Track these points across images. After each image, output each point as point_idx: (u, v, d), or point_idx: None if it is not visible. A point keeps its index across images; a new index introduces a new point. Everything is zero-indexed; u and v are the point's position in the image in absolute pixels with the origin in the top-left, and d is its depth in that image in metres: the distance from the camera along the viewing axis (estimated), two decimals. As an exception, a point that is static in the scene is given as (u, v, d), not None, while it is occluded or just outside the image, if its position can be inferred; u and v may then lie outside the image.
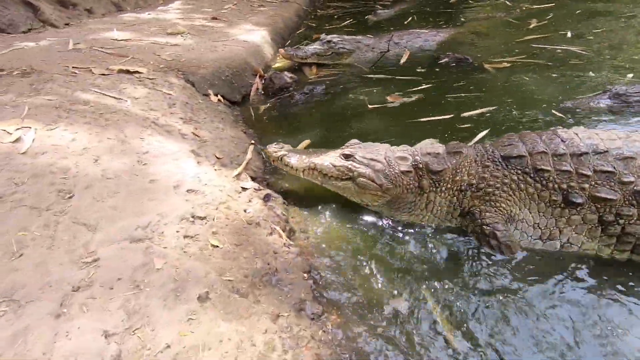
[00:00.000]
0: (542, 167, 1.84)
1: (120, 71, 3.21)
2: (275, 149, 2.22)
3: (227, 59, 4.05)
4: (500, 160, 1.94)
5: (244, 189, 2.09)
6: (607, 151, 1.82)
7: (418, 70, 4.14)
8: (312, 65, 4.70)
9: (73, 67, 3.14)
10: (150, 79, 3.22)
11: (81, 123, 2.11)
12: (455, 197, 1.98)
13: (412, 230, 2.05)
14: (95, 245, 1.29)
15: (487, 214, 1.89)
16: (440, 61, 4.24)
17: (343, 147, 2.16)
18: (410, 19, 6.36)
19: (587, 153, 1.82)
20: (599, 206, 1.78)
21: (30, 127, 1.92)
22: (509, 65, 4.04)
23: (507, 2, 6.68)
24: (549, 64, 3.93)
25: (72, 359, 0.93)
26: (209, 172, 2.07)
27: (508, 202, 1.89)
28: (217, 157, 2.34)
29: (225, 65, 3.93)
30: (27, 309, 1.02)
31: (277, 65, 4.96)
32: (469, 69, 4.06)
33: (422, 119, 3.09)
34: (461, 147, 2.04)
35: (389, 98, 3.55)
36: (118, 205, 1.50)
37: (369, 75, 4.21)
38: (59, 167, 1.63)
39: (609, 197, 1.74)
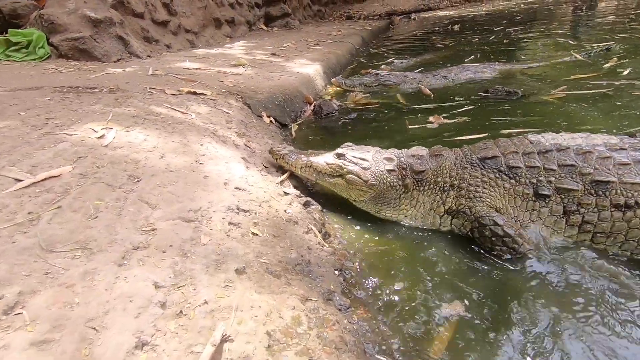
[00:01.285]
0: (514, 164, 2.02)
1: (189, 92, 3.64)
2: (278, 149, 2.51)
3: (281, 87, 4.41)
4: (477, 161, 2.11)
5: (286, 193, 2.24)
6: (568, 148, 1.98)
7: (461, 99, 4.18)
8: (358, 95, 4.93)
9: (150, 87, 3.62)
10: (213, 99, 3.61)
11: (153, 129, 2.43)
12: (438, 196, 2.14)
13: (441, 243, 2.05)
14: (153, 219, 1.47)
15: (478, 207, 2.02)
16: (487, 93, 4.25)
17: (337, 148, 2.37)
18: (472, 56, 6.41)
19: (551, 150, 2.00)
20: (563, 197, 1.94)
21: (112, 128, 2.25)
22: (563, 95, 3.95)
23: (570, 42, 6.58)
24: (609, 92, 3.78)
25: (127, 297, 1.07)
26: (255, 176, 2.26)
27: (491, 197, 2.04)
28: (264, 166, 2.53)
29: (280, 92, 4.27)
30: (97, 256, 1.20)
31: (327, 94, 5.27)
32: (519, 101, 4.02)
33: (459, 138, 3.10)
34: (442, 151, 2.24)
35: (430, 119, 3.63)
36: (176, 191, 1.70)
37: (414, 106, 4.32)
38: (132, 159, 1.90)
39: (572, 187, 1.91)
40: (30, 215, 1.32)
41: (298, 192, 2.32)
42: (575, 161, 1.93)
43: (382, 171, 2.20)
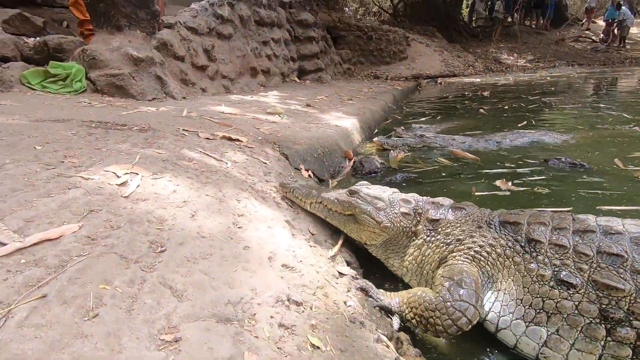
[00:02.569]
0: (535, 237, 1.61)
1: (223, 137, 3.33)
2: (289, 182, 2.34)
3: (319, 139, 4.09)
4: (496, 224, 1.76)
5: (341, 274, 1.75)
6: (621, 233, 1.49)
7: (526, 168, 3.75)
8: (399, 154, 4.57)
9: (183, 129, 3.33)
10: (249, 147, 3.28)
11: (184, 177, 2.05)
12: (438, 249, 1.82)
13: None
14: (178, 317, 1.00)
15: (465, 265, 1.67)
16: (550, 163, 3.83)
17: (352, 186, 2.12)
18: (525, 122, 6.13)
19: (593, 231, 1.53)
20: (600, 294, 1.42)
21: (137, 174, 1.87)
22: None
23: (626, 115, 6.26)
24: None
25: None
26: (303, 247, 1.79)
27: (491, 264, 1.67)
28: (311, 233, 2.08)
29: (318, 144, 3.95)
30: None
31: (365, 150, 4.94)
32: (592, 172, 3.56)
33: (540, 209, 2.62)
34: (467, 206, 1.94)
35: (497, 183, 3.19)
36: (210, 270, 1.25)
37: (465, 171, 3.90)
38: (156, 217, 1.48)
39: (614, 284, 1.39)
40: (-3, 309, 0.87)
41: (354, 272, 1.83)
42: (627, 252, 1.44)
43: (396, 213, 1.94)
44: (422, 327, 1.59)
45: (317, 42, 10.26)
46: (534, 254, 1.59)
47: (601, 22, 26.95)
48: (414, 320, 1.61)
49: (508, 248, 1.66)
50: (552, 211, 1.81)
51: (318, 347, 1.13)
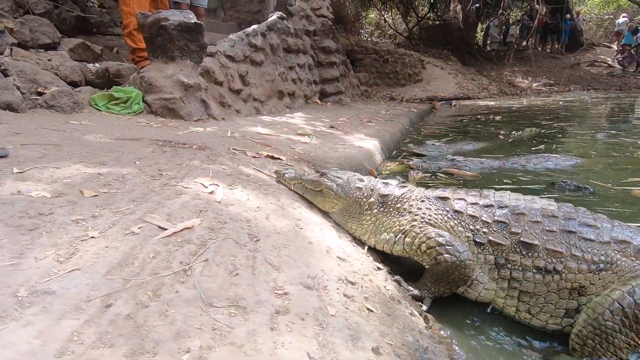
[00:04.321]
0: (457, 209, 2.23)
1: (267, 156, 3.87)
2: (282, 169, 3.01)
3: (347, 158, 4.61)
4: (433, 199, 2.34)
5: (378, 268, 2.21)
6: (507, 206, 2.13)
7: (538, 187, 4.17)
8: (418, 174, 5.03)
9: (233, 148, 3.89)
10: (289, 165, 3.80)
11: (250, 188, 2.56)
12: (395, 218, 2.35)
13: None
14: (281, 282, 1.49)
15: (430, 228, 2.22)
16: (557, 186, 4.23)
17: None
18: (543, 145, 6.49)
19: (492, 205, 2.16)
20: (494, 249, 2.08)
21: (218, 185, 2.39)
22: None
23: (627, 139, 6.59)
24: None
25: (291, 367, 1.05)
26: (348, 246, 2.27)
27: (442, 225, 2.20)
28: (349, 233, 2.56)
29: (346, 164, 4.45)
30: (250, 317, 1.20)
31: (385, 169, 5.42)
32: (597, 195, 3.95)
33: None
34: (408, 184, 2.56)
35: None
36: (291, 255, 1.73)
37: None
38: (244, 217, 1.98)
39: (500, 242, 2.05)
40: (182, 266, 1.38)
41: (388, 268, 2.29)
42: (508, 220, 2.07)
43: (351, 187, 2.53)
44: (448, 288, 2.12)
45: (337, 66, 10.94)
46: (458, 220, 2.19)
47: (615, 47, 27.25)
48: (441, 289, 2.13)
49: (444, 216, 2.23)
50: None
51: (371, 310, 1.60)
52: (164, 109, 5.04)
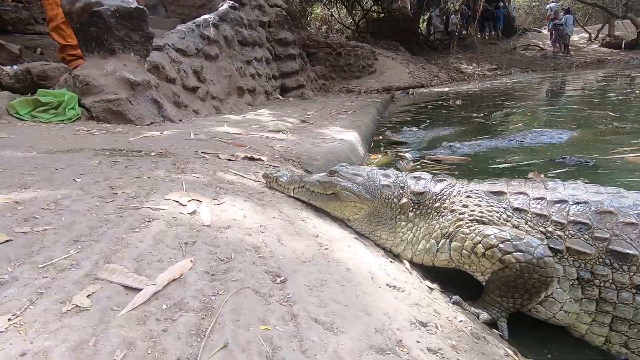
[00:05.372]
0: (518, 206, 1.72)
1: (245, 158, 3.22)
2: (272, 172, 2.36)
3: (333, 154, 4.06)
4: (482, 193, 1.83)
5: (430, 288, 1.69)
6: (586, 202, 1.62)
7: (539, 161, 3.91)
8: (408, 164, 4.62)
9: (202, 152, 3.19)
10: (273, 166, 3.18)
11: (241, 201, 1.94)
12: (435, 221, 1.87)
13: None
14: (345, 352, 0.91)
15: (481, 226, 1.71)
16: (556, 161, 4.01)
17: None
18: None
19: (565, 201, 1.66)
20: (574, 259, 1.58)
21: (200, 201, 1.74)
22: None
23: (611, 114, 6.69)
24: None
25: None
26: (385, 262, 1.73)
27: (499, 224, 1.71)
28: (376, 244, 2.02)
29: (334, 159, 3.91)
30: None
31: (370, 161, 4.95)
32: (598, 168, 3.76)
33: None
34: (447, 177, 2.03)
35: (530, 175, 3.40)
36: (336, 297, 1.16)
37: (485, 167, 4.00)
38: (250, 244, 1.37)
39: (584, 250, 1.54)
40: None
41: (437, 285, 1.79)
42: (590, 220, 1.57)
43: (376, 186, 1.99)
44: (526, 298, 1.60)
45: (296, 59, 10.34)
46: (524, 220, 1.68)
47: (545, 32, 29.27)
48: (517, 301, 1.62)
49: (502, 213, 1.73)
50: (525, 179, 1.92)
51: (472, 367, 1.07)
52: (108, 113, 4.17)
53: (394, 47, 23.47)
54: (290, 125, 5.75)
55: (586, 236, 1.55)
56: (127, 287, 0.93)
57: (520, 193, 1.74)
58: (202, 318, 0.88)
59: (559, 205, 1.64)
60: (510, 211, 1.70)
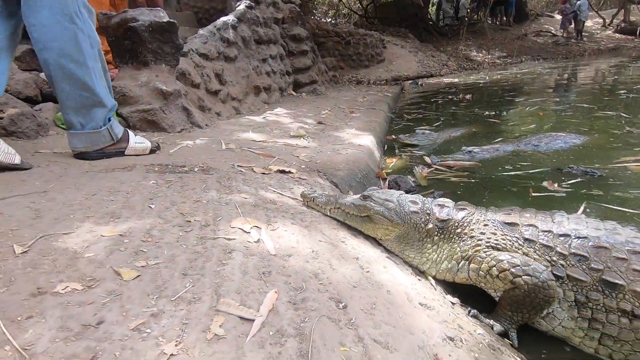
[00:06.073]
0: (528, 237, 2.05)
1: (278, 171, 3.53)
2: (308, 192, 2.68)
3: (354, 162, 4.36)
4: (498, 223, 2.15)
5: (452, 303, 2.03)
6: (585, 237, 1.95)
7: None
8: (423, 170, 4.90)
9: (238, 165, 3.50)
10: (302, 178, 3.49)
11: (288, 223, 2.25)
12: (456, 245, 2.19)
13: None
14: (401, 367, 1.25)
15: (496, 252, 2.06)
16: (564, 171, 4.25)
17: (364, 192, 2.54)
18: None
19: (568, 235, 1.99)
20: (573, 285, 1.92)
21: (258, 227, 2.07)
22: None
23: (624, 115, 6.85)
24: None
25: None
26: (415, 281, 2.06)
27: (510, 250, 2.05)
28: (405, 261, 2.35)
29: (356, 168, 4.21)
30: None
31: (386, 165, 5.24)
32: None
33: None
34: (467, 206, 2.33)
35: (545, 184, 3.70)
36: (385, 319, 1.49)
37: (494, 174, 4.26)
38: (310, 272, 1.70)
39: (581, 278, 1.89)
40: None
41: (458, 300, 2.12)
42: (588, 253, 1.91)
43: (406, 212, 2.30)
44: (533, 313, 1.96)
45: (308, 55, 10.49)
46: (533, 249, 2.02)
47: (557, 17, 28.68)
48: (525, 315, 1.98)
49: (514, 242, 2.07)
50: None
51: (492, 376, 1.40)
52: (144, 122, 4.48)
53: (402, 34, 23.25)
54: (309, 128, 6.03)
55: (584, 266, 1.90)
56: (242, 318, 1.26)
57: (531, 225, 2.07)
58: (300, 342, 1.21)
59: (562, 238, 1.98)
60: (522, 241, 2.04)
